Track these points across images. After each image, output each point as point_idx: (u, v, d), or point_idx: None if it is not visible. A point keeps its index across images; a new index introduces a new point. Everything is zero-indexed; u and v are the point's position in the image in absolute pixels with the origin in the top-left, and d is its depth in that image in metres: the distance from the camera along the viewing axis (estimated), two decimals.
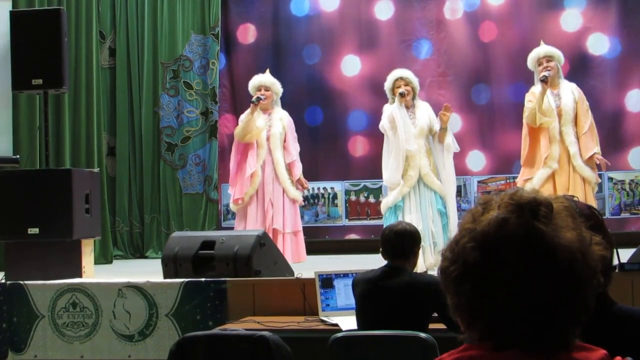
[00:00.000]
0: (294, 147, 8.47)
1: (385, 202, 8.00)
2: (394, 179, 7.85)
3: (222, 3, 10.91)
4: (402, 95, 7.84)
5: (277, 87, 8.54)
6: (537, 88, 7.82)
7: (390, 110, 7.90)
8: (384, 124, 8.01)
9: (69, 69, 8.51)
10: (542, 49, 7.99)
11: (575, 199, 2.46)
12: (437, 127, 7.93)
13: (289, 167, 8.39)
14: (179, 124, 10.85)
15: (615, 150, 9.88)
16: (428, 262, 7.55)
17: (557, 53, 7.98)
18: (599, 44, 10.27)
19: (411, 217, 7.57)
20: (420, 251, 5.17)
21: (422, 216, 7.73)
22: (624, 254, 6.02)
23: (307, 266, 7.63)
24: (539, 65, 7.90)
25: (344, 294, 5.55)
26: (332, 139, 10.70)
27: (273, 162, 8.31)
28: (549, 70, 7.79)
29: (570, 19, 10.35)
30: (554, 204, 1.57)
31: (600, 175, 8.08)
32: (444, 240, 7.72)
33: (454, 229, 7.75)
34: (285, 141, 8.41)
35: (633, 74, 10.20)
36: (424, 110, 7.97)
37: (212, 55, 10.86)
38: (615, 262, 5.65)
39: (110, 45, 10.99)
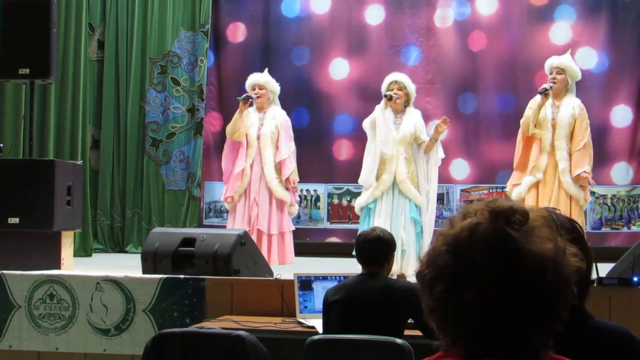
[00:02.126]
0: (287, 146, 8.41)
1: (357, 202, 8.05)
2: (368, 180, 7.87)
3: (213, 1, 10.90)
4: (389, 98, 7.83)
5: (272, 85, 8.52)
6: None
7: (376, 111, 7.91)
8: (365, 123, 8.02)
9: (57, 59, 8.49)
10: (557, 60, 7.93)
11: (557, 211, 2.47)
12: (424, 136, 7.91)
13: (279, 167, 8.36)
14: (164, 119, 10.83)
15: (598, 165, 9.87)
16: (394, 267, 7.48)
17: (571, 67, 7.90)
18: (587, 58, 10.29)
19: (379, 221, 7.55)
20: None
21: (392, 222, 7.70)
22: (604, 269, 6.04)
23: (286, 268, 7.63)
24: (550, 74, 7.87)
25: (322, 296, 5.54)
26: (317, 141, 10.68)
27: (261, 161, 8.29)
28: (554, 82, 7.76)
29: (560, 32, 10.38)
30: (531, 213, 1.58)
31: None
32: (417, 249, 7.73)
33: (428, 241, 7.79)
34: (278, 140, 8.38)
35: (619, 90, 10.23)
36: (411, 117, 7.94)
37: (200, 53, 10.84)
38: (594, 276, 5.67)
39: (99, 37, 10.96)
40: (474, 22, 10.57)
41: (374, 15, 10.75)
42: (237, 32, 11.04)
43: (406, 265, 7.64)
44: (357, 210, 8.06)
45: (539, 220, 1.57)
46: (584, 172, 7.64)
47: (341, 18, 10.82)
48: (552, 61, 7.93)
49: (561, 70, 7.83)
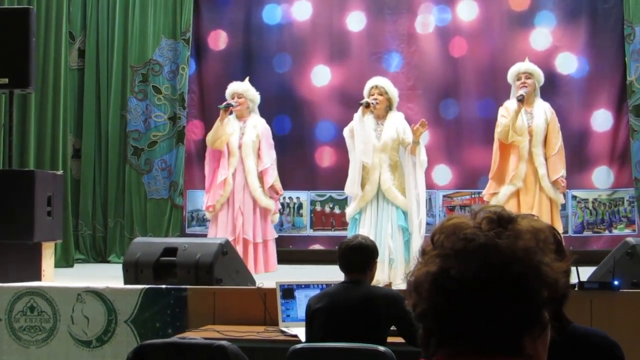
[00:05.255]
0: (268, 155, 8.35)
1: (347, 213, 7.97)
2: (353, 191, 7.75)
3: (194, 8, 10.89)
4: (365, 105, 7.70)
5: (251, 93, 8.46)
6: (511, 103, 7.84)
7: (354, 120, 7.80)
8: (345, 132, 7.91)
9: (37, 68, 8.46)
10: (523, 65, 7.99)
11: (535, 218, 2.47)
12: (409, 138, 7.68)
13: (261, 175, 8.32)
14: (146, 128, 10.80)
15: (579, 169, 9.96)
16: (381, 277, 7.35)
17: (538, 71, 7.98)
18: (567, 63, 10.34)
19: (364, 232, 7.41)
20: None
21: (378, 231, 7.56)
22: (586, 272, 6.06)
23: (269, 276, 7.61)
24: (518, 80, 7.92)
25: (304, 305, 5.53)
26: (299, 148, 10.68)
27: (244, 170, 8.25)
28: (526, 87, 7.81)
29: (540, 38, 10.42)
30: (521, 220, 1.58)
31: (563, 195, 8.12)
32: (405, 257, 7.58)
33: (417, 246, 7.67)
34: (259, 149, 8.35)
35: (600, 94, 10.27)
36: (393, 122, 7.78)
37: (182, 61, 10.82)
38: (575, 280, 5.68)
39: (79, 46, 10.93)
40: (455, 28, 10.59)
41: (355, 22, 10.76)
42: (219, 40, 11.04)
43: (394, 274, 7.52)
44: (348, 219, 7.98)
45: (528, 231, 1.57)
46: (561, 177, 7.71)
47: (322, 25, 10.82)
48: (519, 67, 8.00)
49: (530, 75, 7.92)
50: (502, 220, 1.57)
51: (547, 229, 1.64)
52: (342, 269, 4.79)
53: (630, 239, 6.26)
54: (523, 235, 1.55)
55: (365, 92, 7.91)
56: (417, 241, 7.61)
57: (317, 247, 10.64)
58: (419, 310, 1.58)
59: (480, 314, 1.51)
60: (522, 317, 1.52)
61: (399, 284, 7.30)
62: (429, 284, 1.55)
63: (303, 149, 10.71)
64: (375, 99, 7.75)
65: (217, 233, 8.15)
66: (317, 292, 5.17)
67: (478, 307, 1.51)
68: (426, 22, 10.64)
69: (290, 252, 10.39)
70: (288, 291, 5.71)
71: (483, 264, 1.51)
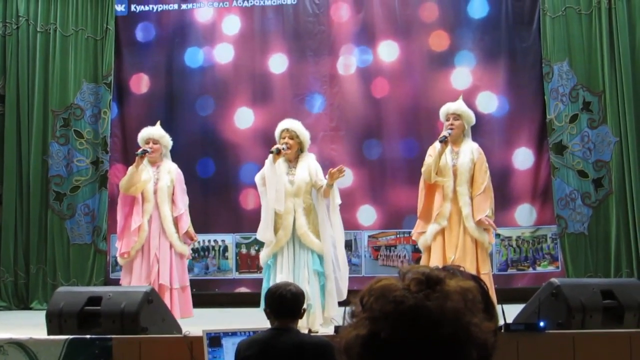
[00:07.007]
0: (182, 201, 8.28)
1: (261, 258, 7.82)
2: (265, 236, 7.62)
3: (115, 52, 10.82)
4: (277, 152, 7.56)
5: (166, 139, 8.40)
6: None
7: (265, 167, 7.67)
8: (256, 179, 7.81)
9: None
10: (453, 106, 7.97)
11: (461, 269, 2.48)
12: (320, 181, 7.62)
13: (176, 221, 8.24)
14: (68, 173, 10.67)
15: (502, 207, 10.05)
16: (301, 322, 7.26)
17: (467, 113, 7.96)
18: (488, 102, 10.48)
19: (282, 277, 7.29)
20: None
21: (295, 276, 7.41)
22: (511, 310, 6.10)
23: (196, 321, 7.53)
24: (447, 120, 7.92)
25: (232, 353, 5.48)
26: (223, 191, 10.63)
27: (160, 216, 8.15)
28: (452, 129, 7.82)
29: (460, 77, 10.56)
30: (449, 280, 1.58)
31: (494, 234, 8.10)
32: (322, 302, 7.51)
33: (333, 288, 7.57)
34: (173, 194, 8.27)
35: (520, 133, 10.42)
36: (305, 165, 7.71)
37: (104, 104, 10.73)
38: (501, 321, 5.73)
39: None
40: (377, 69, 10.68)
41: (278, 64, 10.80)
42: (141, 83, 10.98)
43: (312, 319, 7.41)
44: (262, 264, 7.86)
45: (456, 292, 1.58)
46: (485, 216, 7.66)
47: (245, 67, 10.83)
48: (448, 108, 8.00)
49: (458, 116, 7.90)
50: (431, 281, 1.57)
51: (475, 288, 1.65)
52: (274, 314, 4.74)
53: (554, 280, 6.33)
54: (451, 296, 1.56)
55: (277, 134, 7.84)
56: (331, 283, 7.55)
57: (243, 289, 10.58)
58: None
59: None
60: None
61: (317, 330, 7.24)
62: (359, 347, 1.55)
63: (227, 191, 10.66)
64: (287, 143, 7.67)
65: (132, 280, 8.02)
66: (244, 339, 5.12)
67: None
68: (348, 63, 10.72)
69: (216, 295, 10.33)
70: (215, 339, 5.65)
71: (412, 326, 1.52)
